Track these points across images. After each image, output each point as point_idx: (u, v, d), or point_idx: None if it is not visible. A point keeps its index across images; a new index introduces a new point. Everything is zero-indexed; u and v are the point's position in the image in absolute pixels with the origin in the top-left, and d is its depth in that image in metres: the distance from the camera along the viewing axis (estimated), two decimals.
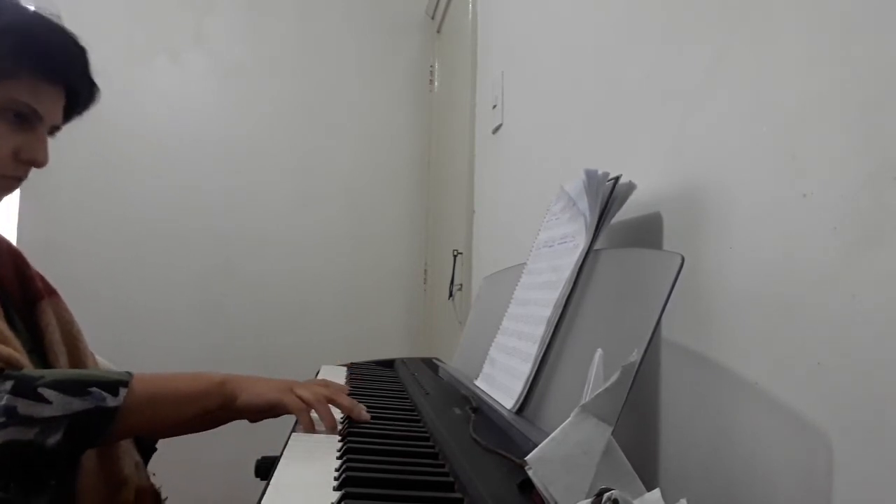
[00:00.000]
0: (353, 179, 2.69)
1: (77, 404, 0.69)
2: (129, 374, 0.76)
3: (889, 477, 0.46)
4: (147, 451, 0.98)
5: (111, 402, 0.71)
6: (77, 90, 0.87)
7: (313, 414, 0.81)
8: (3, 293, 0.86)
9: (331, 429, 0.79)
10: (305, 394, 0.82)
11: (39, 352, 0.85)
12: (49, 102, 0.83)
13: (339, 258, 2.66)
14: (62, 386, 0.70)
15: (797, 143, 0.58)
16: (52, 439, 0.68)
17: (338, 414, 0.81)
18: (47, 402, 0.68)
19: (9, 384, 0.68)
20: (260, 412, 0.83)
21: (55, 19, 0.85)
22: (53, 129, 0.87)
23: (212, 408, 0.80)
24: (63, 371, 0.76)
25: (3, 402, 0.67)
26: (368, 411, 0.83)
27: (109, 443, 0.82)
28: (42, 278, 0.93)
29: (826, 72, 0.55)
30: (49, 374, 0.72)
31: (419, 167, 2.75)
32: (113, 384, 0.73)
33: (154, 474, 0.97)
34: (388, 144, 2.73)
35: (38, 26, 0.83)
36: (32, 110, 0.81)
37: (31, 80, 0.80)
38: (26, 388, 0.68)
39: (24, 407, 0.67)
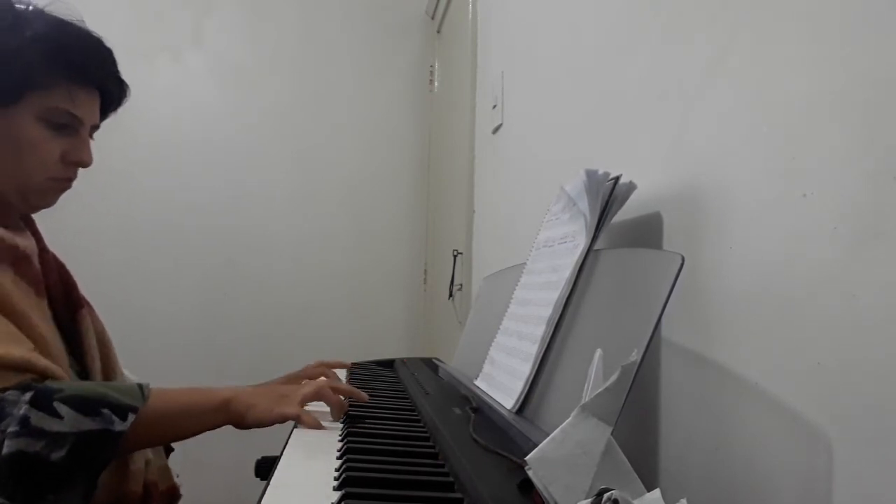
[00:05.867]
0: (353, 179, 2.69)
1: (87, 423, 0.70)
2: (144, 395, 0.77)
3: (889, 477, 0.46)
4: (165, 450, 1.00)
5: (118, 426, 0.72)
6: (109, 90, 0.91)
7: (316, 408, 0.83)
8: (51, 298, 0.89)
9: (340, 411, 0.82)
10: (307, 390, 0.84)
11: (77, 355, 0.88)
12: (86, 106, 0.87)
13: (339, 258, 2.66)
14: (77, 403, 0.70)
15: (797, 143, 0.58)
16: (56, 454, 0.69)
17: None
18: (59, 416, 0.69)
19: (28, 395, 0.69)
20: (267, 426, 0.84)
21: (80, 23, 0.87)
22: (93, 129, 0.91)
23: (216, 425, 0.83)
24: (83, 386, 0.77)
25: (21, 411, 0.68)
26: (368, 411, 0.84)
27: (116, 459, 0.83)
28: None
29: (826, 72, 0.55)
30: (70, 387, 0.73)
31: (419, 167, 2.75)
32: (124, 408, 0.73)
33: (178, 475, 0.99)
34: (388, 144, 2.73)
35: (65, 34, 0.85)
36: (72, 116, 0.84)
37: (67, 87, 0.83)
38: (43, 401, 0.69)
39: (37, 419, 0.68)
